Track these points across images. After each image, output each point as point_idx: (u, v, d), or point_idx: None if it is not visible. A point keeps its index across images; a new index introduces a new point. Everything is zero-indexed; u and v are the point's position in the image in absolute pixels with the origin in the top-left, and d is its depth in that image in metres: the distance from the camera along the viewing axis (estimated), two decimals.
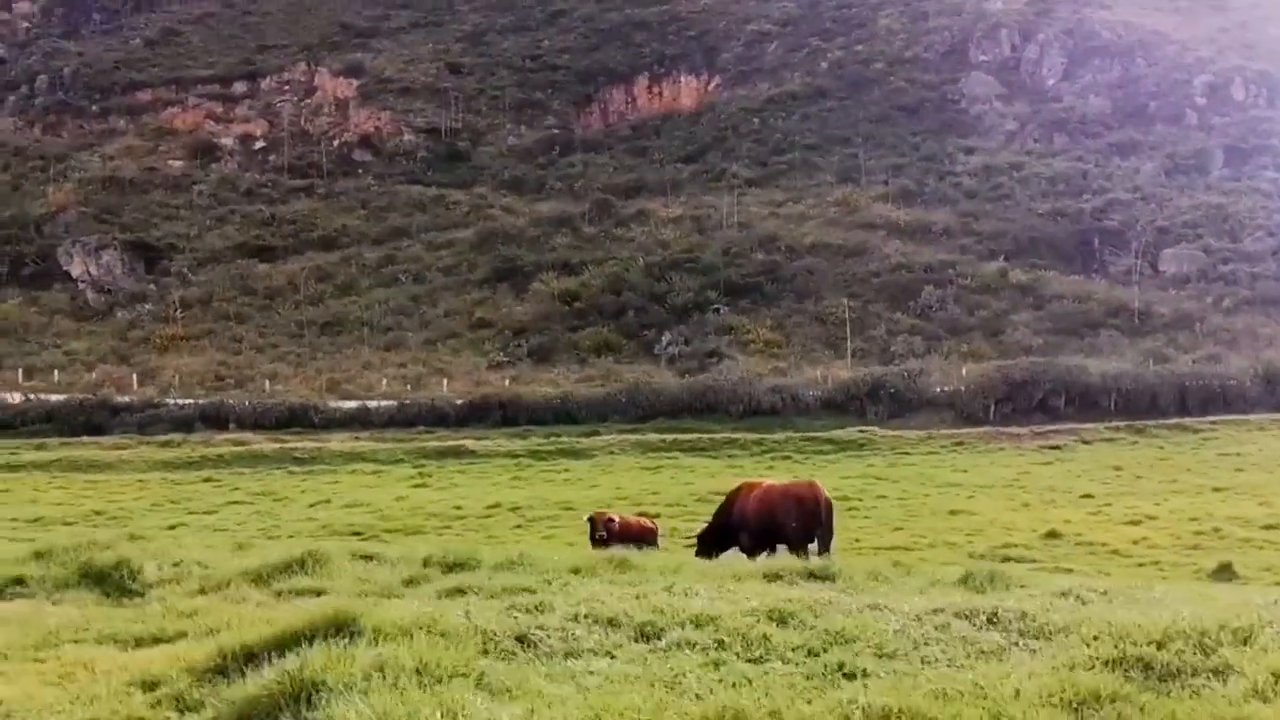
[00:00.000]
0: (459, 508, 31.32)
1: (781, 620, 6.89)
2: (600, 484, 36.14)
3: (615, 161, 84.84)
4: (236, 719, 5.38)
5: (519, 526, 28.99)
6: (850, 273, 61.96)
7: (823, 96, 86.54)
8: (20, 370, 55.65)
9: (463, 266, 68.26)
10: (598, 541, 16.25)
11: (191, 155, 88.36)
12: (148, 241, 73.15)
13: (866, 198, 70.30)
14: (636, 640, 6.54)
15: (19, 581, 9.91)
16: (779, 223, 68.28)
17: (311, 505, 32.59)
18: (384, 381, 53.29)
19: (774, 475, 37.45)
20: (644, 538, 18.51)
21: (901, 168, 74.86)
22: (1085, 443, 39.10)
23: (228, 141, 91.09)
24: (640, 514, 22.49)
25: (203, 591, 9.30)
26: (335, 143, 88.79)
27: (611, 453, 43.07)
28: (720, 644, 6.40)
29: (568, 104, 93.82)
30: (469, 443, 43.57)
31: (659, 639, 6.56)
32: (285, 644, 6.01)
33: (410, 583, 9.54)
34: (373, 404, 48.83)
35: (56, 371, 55.38)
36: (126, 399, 50.14)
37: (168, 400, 49.77)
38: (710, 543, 13.76)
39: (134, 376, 54.36)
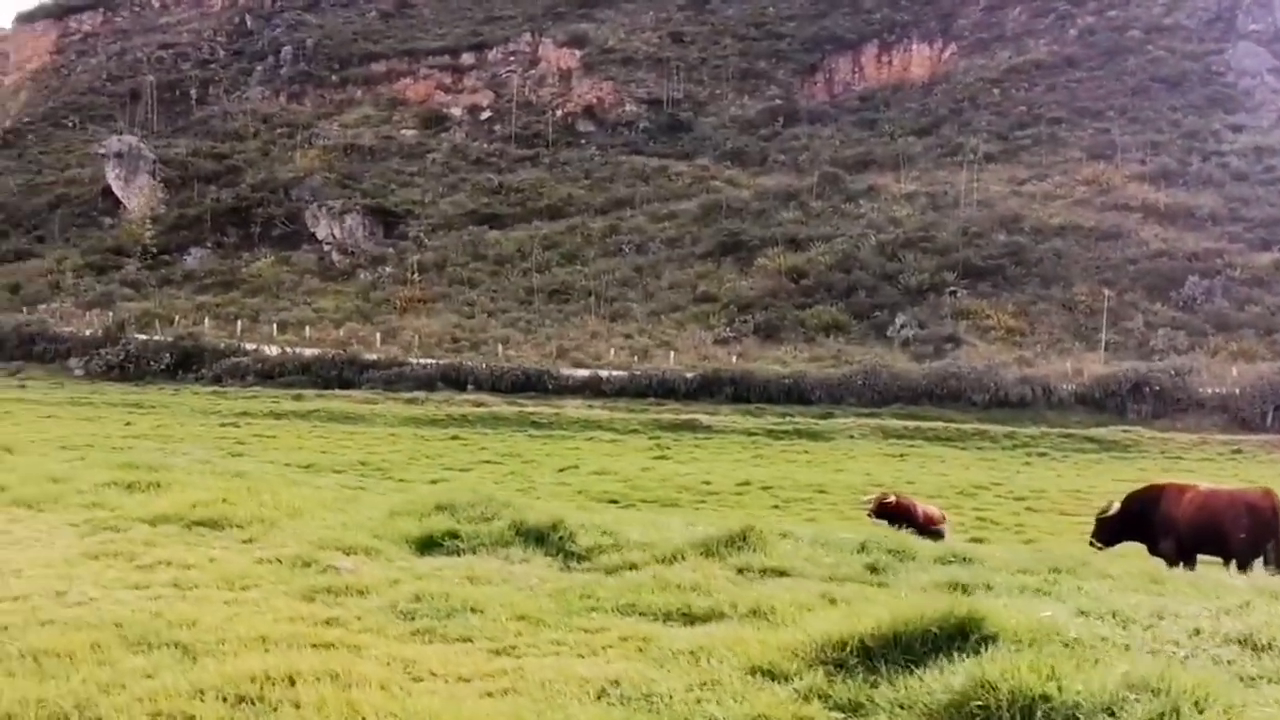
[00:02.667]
0: (708, 482, 30.73)
1: None
2: (847, 468, 35.16)
3: (842, 134, 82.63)
4: None
5: (776, 507, 28.13)
6: (1102, 258, 58.31)
7: (1071, 66, 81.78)
8: (274, 325, 58.69)
9: (686, 239, 67.85)
10: (896, 525, 15.25)
11: (423, 124, 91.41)
12: (386, 207, 76.01)
13: (1120, 177, 66.04)
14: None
15: (453, 535, 9.62)
16: (1022, 201, 64.98)
17: (560, 470, 32.58)
18: (611, 351, 53.54)
19: (1033, 471, 35.99)
20: (936, 527, 17.43)
21: (1160, 145, 69.92)
22: None
23: (456, 111, 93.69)
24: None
25: (663, 562, 8.74)
26: (559, 113, 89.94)
27: (850, 436, 42.03)
28: None
29: (792, 74, 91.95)
30: (703, 417, 43.29)
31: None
32: (900, 640, 5.54)
33: (874, 569, 8.84)
34: (604, 373, 49.16)
35: (307, 327, 58.15)
36: (373, 356, 52.12)
37: (410, 359, 51.41)
38: (1105, 537, 12.57)
39: (377, 335, 56.46)
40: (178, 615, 6.51)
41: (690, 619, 7.06)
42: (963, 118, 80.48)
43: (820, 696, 5.34)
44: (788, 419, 43.67)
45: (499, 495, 11.64)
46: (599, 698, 5.41)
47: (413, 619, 6.90)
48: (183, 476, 14.06)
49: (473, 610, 7.08)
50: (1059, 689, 4.87)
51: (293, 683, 5.19)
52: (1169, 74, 77.73)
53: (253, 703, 5.01)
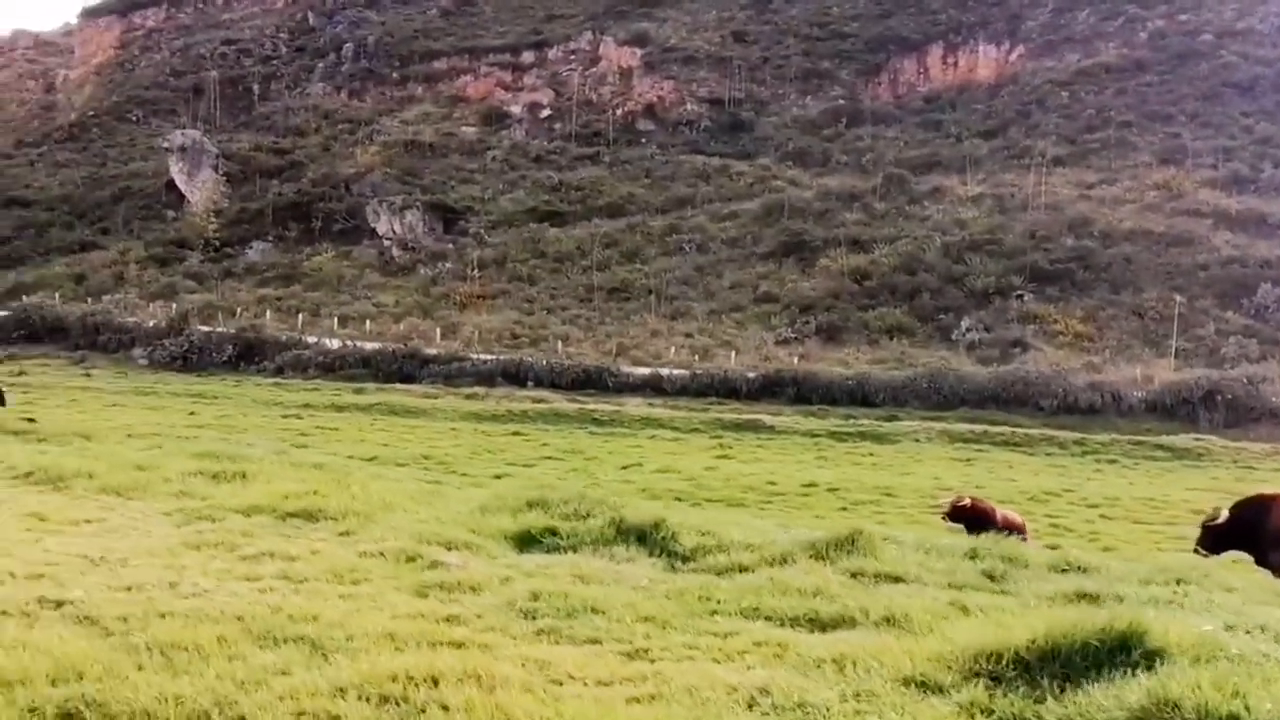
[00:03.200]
0: (773, 483, 30.31)
1: None
2: (914, 472, 34.61)
3: (906, 135, 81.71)
4: None
5: (843, 509, 27.73)
6: (1173, 264, 56.91)
7: (1140, 69, 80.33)
8: (335, 319, 59.06)
9: (747, 239, 67.35)
10: (973, 530, 14.76)
11: (483, 122, 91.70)
12: (446, 203, 76.25)
13: (1191, 182, 64.51)
14: None
15: (552, 532, 9.42)
16: (1091, 205, 63.69)
17: (623, 467, 32.29)
18: (671, 350, 53.23)
19: (1104, 478, 35.22)
20: (1017, 533, 16.84)
21: (1232, 151, 68.17)
22: None
23: (516, 109, 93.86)
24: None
25: (772, 564, 8.47)
26: (619, 111, 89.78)
27: (916, 439, 41.38)
28: None
29: (855, 74, 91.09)
30: (765, 418, 42.83)
31: None
32: (1058, 653, 5.29)
33: (992, 577, 8.50)
34: (665, 371, 48.85)
35: (368, 321, 58.41)
36: (433, 351, 52.22)
37: (470, 355, 51.43)
38: (1211, 545, 12.07)
39: (437, 330, 56.61)
40: (297, 609, 6.36)
41: (819, 625, 6.86)
42: (1030, 120, 79.31)
43: (983, 711, 5.12)
44: (851, 421, 43.15)
45: (592, 493, 11.46)
46: (750, 706, 5.21)
47: (534, 618, 6.70)
48: (265, 467, 14.06)
49: (594, 611, 6.88)
50: (1246, 708, 4.64)
51: (436, 684, 4.99)
52: (1241, 79, 75.87)
53: (397, 704, 4.83)
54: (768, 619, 6.94)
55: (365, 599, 6.88)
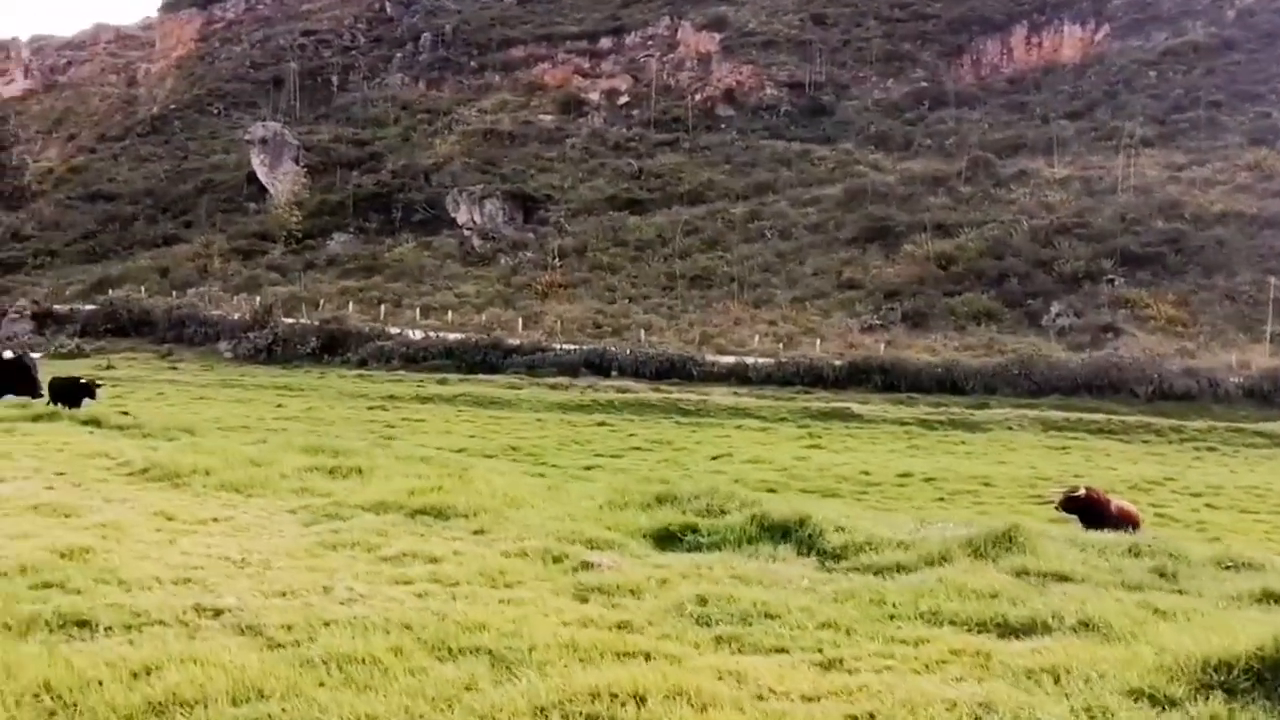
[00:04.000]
0: (866, 473, 29.86)
1: None
2: (1009, 461, 33.98)
3: (990, 117, 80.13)
4: None
5: (941, 499, 27.24)
6: (1266, 246, 55.32)
7: (1229, 48, 78.24)
8: (417, 309, 59.40)
9: (830, 224, 66.46)
10: (1088, 522, 14.14)
11: (561, 110, 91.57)
12: (525, 192, 76.32)
13: None
14: None
15: (692, 529, 9.06)
16: (1181, 187, 61.97)
17: (713, 458, 31.95)
18: (755, 338, 52.68)
19: (1204, 466, 34.05)
20: (1132, 525, 16.14)
21: None
22: None
23: (594, 96, 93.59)
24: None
25: (931, 563, 8.04)
26: (698, 97, 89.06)
27: (1009, 428, 40.58)
28: None
29: (938, 56, 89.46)
30: (854, 406, 42.21)
31: None
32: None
33: (1163, 574, 7.99)
34: (750, 360, 48.35)
35: (449, 312, 58.67)
36: (515, 341, 52.21)
37: (554, 345, 51.33)
38: None
39: (518, 320, 56.63)
40: (463, 617, 6.09)
41: (1010, 630, 6.45)
42: (1117, 101, 77.35)
43: None
44: (941, 408, 42.53)
45: (722, 487, 11.08)
46: None
47: (708, 624, 6.35)
48: (379, 462, 13.84)
49: (768, 616, 6.50)
50: None
51: (642, 702, 4.63)
52: None
53: None
54: (952, 624, 6.54)
55: (528, 605, 6.57)
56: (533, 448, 32.96)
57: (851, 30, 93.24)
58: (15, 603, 6.02)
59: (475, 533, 9.23)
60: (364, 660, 5.20)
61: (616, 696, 4.64)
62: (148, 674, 4.96)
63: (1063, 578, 7.96)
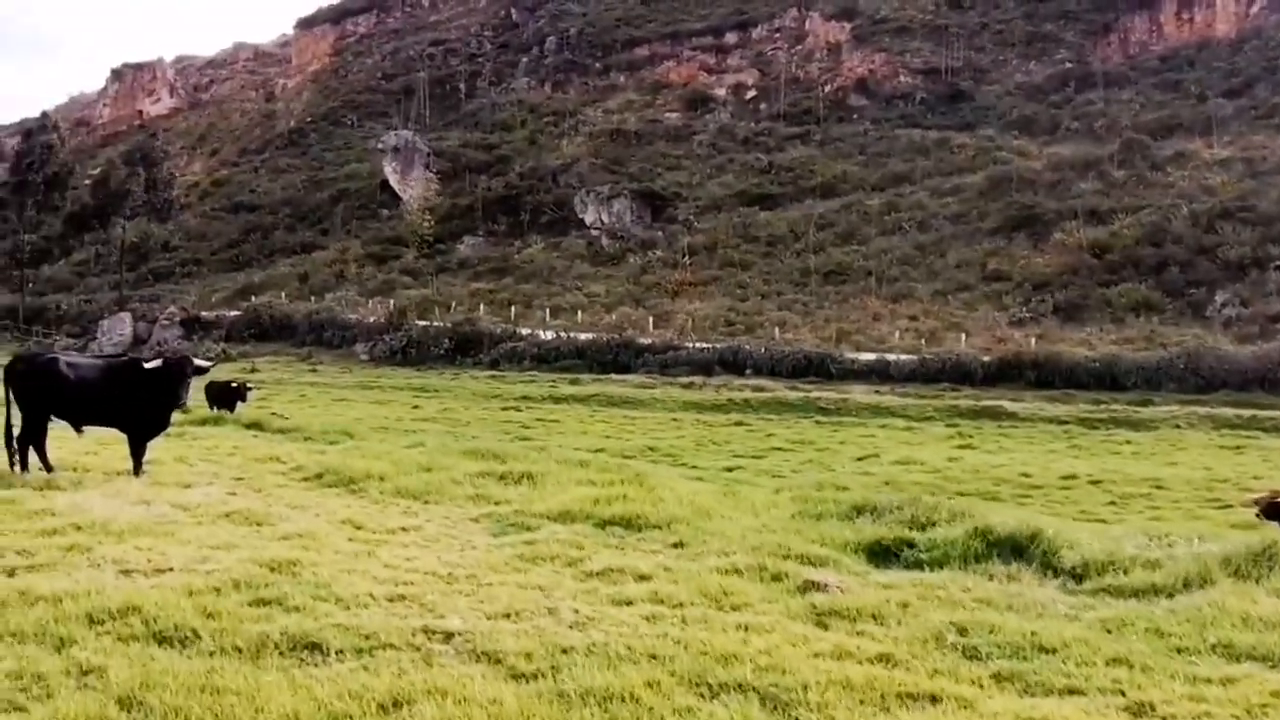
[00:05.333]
0: (1027, 475, 28.19)
1: None
2: (1180, 461, 31.79)
3: (1142, 97, 76.55)
4: None
5: (1112, 504, 25.44)
6: None
7: None
8: (547, 310, 59.54)
9: (972, 214, 64.17)
10: None
11: (687, 107, 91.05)
12: (653, 190, 75.98)
13: None
14: None
15: (908, 544, 8.34)
16: None
17: (859, 459, 30.76)
18: (895, 334, 51.13)
19: None
20: None
21: None
22: None
23: (721, 92, 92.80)
24: None
25: (1188, 585, 7.25)
26: (829, 88, 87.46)
27: (1176, 426, 38.22)
28: None
29: (1083, 35, 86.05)
30: (1005, 404, 40.43)
31: None
32: None
33: None
34: (891, 356, 46.84)
35: (579, 312, 58.64)
36: (647, 340, 51.73)
37: (686, 343, 50.71)
38: None
39: (649, 319, 56.20)
40: (709, 646, 5.46)
41: None
42: (1277, 77, 72.95)
43: None
44: (1101, 406, 40.35)
45: (926, 498, 10.30)
46: None
47: (978, 658, 5.61)
48: (547, 467, 13.40)
49: (1042, 649, 5.71)
50: None
51: None
52: None
53: None
54: (1251, 659, 5.72)
55: (768, 631, 5.92)
56: (670, 448, 32.27)
57: (990, 13, 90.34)
58: (240, 622, 5.68)
59: (674, 545, 8.66)
60: (623, 698, 4.69)
61: None
62: (396, 707, 4.57)
63: None
